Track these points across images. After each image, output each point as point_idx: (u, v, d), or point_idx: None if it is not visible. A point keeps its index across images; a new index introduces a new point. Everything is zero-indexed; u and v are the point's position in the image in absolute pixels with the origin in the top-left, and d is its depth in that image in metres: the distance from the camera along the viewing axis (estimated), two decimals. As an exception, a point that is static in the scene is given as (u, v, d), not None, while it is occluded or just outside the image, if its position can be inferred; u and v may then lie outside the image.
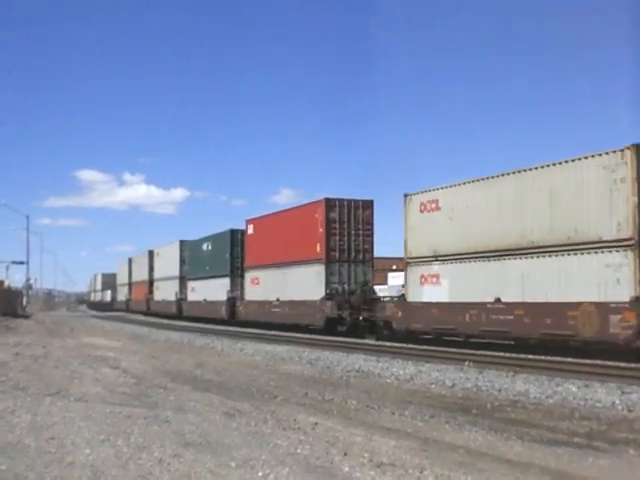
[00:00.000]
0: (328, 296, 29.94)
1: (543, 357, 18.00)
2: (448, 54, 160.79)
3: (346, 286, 30.09)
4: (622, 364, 16.06)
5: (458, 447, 7.70)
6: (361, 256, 30.97)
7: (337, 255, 30.43)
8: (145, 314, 63.24)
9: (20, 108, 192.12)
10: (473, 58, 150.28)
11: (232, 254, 41.05)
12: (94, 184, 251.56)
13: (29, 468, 6.67)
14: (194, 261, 49.30)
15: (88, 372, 15.24)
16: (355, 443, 7.79)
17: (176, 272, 53.46)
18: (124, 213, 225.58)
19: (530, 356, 18.42)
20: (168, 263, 55.86)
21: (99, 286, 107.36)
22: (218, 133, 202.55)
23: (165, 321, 50.68)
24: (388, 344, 23.79)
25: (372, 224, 31.49)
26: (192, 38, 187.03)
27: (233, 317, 40.71)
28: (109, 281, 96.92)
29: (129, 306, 73.85)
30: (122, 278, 79.38)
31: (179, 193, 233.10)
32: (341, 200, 30.86)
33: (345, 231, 30.66)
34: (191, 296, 50.01)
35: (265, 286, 36.66)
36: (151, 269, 62.16)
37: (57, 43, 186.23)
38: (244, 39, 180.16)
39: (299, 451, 7.35)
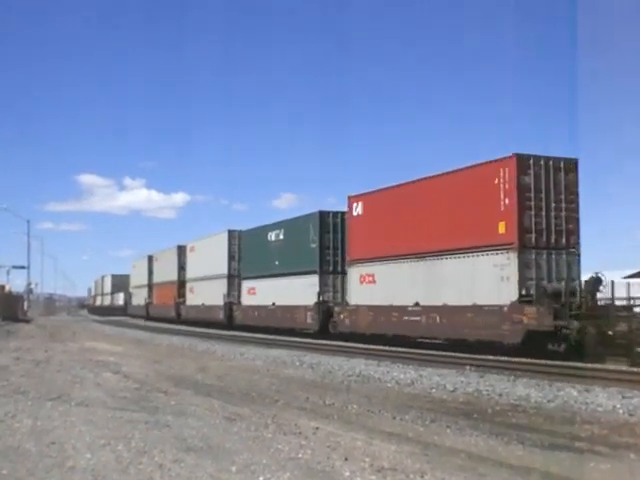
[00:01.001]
0: (526, 298, 20.50)
1: (544, 361, 17.97)
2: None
3: (555, 284, 20.84)
4: (623, 368, 16.06)
5: (459, 451, 7.70)
6: (564, 240, 21.65)
7: (533, 239, 21.13)
8: (174, 322, 53.29)
9: (21, 112, 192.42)
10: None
11: (322, 244, 32.23)
12: (95, 189, 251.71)
13: (30, 473, 6.67)
14: (253, 255, 39.73)
15: (89, 377, 15.24)
16: (356, 448, 7.79)
17: (223, 269, 43.49)
18: (125, 218, 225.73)
19: (531, 360, 18.40)
20: (210, 259, 46.21)
21: (108, 288, 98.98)
22: (219, 137, 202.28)
23: (166, 326, 50.62)
24: (389, 348, 23.79)
25: (577, 194, 22.20)
26: (193, 42, 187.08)
27: (326, 329, 31.27)
28: (120, 283, 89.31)
29: (149, 311, 64.39)
30: (138, 279, 70.14)
31: (180, 198, 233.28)
32: (537, 157, 21.56)
33: (543, 203, 21.46)
34: (248, 299, 40.37)
35: (389, 285, 26.42)
36: (181, 268, 53.42)
37: (58, 47, 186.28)
38: (246, 42, 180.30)
39: (300, 456, 7.35)
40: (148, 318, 63.50)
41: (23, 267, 77.14)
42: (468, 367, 17.09)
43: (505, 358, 19.02)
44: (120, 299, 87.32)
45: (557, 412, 10.89)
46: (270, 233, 37.20)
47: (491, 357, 19.29)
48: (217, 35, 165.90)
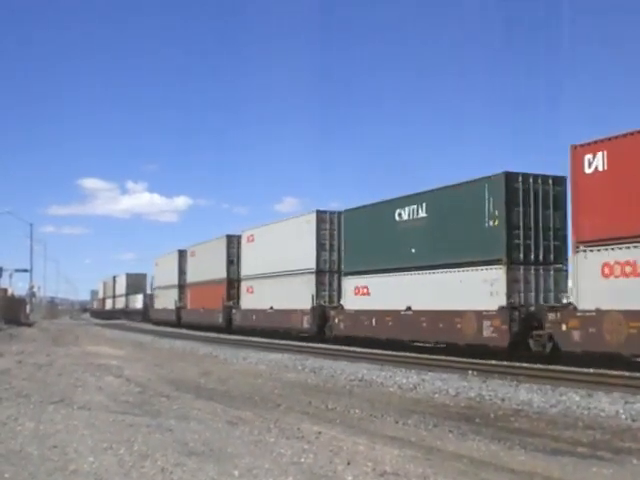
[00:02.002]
0: None
1: (546, 366, 17.95)
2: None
3: None
4: (626, 373, 16.04)
5: (461, 456, 7.69)
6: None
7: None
8: (221, 331, 42.48)
9: (23, 116, 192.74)
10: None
11: (509, 222, 21.38)
12: (97, 192, 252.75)
13: (32, 476, 6.67)
14: (365, 242, 28.75)
15: (91, 380, 15.25)
16: (358, 452, 7.78)
17: (308, 263, 32.73)
18: (127, 221, 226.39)
19: (533, 365, 18.38)
20: (282, 250, 35.72)
21: (122, 289, 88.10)
22: (220, 141, 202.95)
23: (169, 329, 50.52)
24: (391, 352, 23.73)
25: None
26: (194, 44, 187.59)
27: (523, 346, 20.51)
28: (136, 283, 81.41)
29: (182, 317, 53.84)
30: (164, 278, 60.13)
31: (182, 201, 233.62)
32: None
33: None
34: (354, 302, 29.03)
35: None
36: (230, 262, 42.95)
37: (60, 50, 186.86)
38: (246, 45, 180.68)
39: (302, 460, 7.34)
40: (179, 325, 53.17)
41: (26, 270, 77.11)
42: (470, 372, 17.08)
43: (507, 363, 19.00)
44: (138, 302, 77.80)
45: (559, 417, 10.88)
46: (399, 210, 26.16)
47: (494, 362, 19.27)
48: (219, 37, 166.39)
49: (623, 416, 10.84)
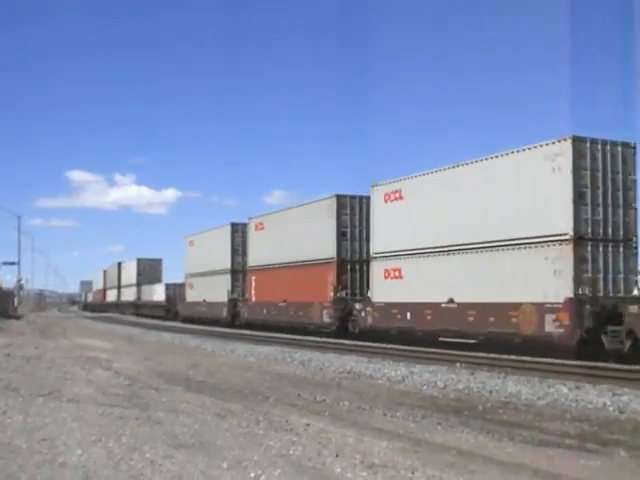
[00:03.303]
0: None
1: (534, 358, 18.03)
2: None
3: None
4: (614, 365, 16.13)
5: (450, 448, 7.72)
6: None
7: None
8: (325, 334, 29.90)
9: (11, 109, 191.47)
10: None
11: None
12: (85, 185, 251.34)
13: (21, 469, 6.66)
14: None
15: (80, 373, 15.21)
16: (347, 444, 7.80)
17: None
18: (115, 214, 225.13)
19: (521, 357, 18.45)
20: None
21: (130, 278, 72.15)
22: (209, 133, 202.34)
23: (159, 322, 50.48)
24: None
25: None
26: (182, 38, 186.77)
27: None
28: (150, 271, 69.46)
29: (242, 314, 38.65)
30: (205, 261, 44.76)
31: (170, 193, 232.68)
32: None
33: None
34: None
35: None
36: (342, 235, 29.51)
37: (47, 44, 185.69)
38: (234, 38, 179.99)
39: (291, 452, 7.36)
40: (234, 324, 39.28)
41: (13, 263, 76.75)
42: (459, 364, 17.14)
43: (495, 355, 19.06)
44: (157, 293, 61.17)
45: (547, 409, 10.93)
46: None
47: (482, 354, 19.33)
48: (207, 31, 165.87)
49: (611, 408, 10.91)
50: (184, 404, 10.84)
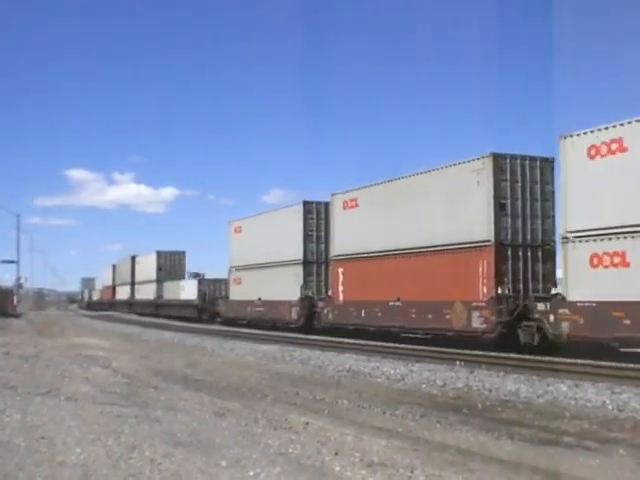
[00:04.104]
0: None
1: (533, 357, 18.03)
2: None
3: None
4: (613, 364, 16.13)
5: (449, 447, 7.71)
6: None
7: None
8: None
9: (9, 107, 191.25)
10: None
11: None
12: (84, 183, 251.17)
13: (19, 467, 6.65)
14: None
15: (79, 372, 15.20)
16: (346, 443, 7.79)
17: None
18: (114, 212, 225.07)
19: (521, 356, 18.45)
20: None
21: (148, 274, 62.92)
22: (208, 132, 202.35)
23: (156, 320, 50.42)
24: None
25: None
26: (181, 37, 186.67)
27: None
28: (172, 265, 61.26)
29: (322, 315, 30.27)
30: (260, 252, 36.19)
31: (169, 192, 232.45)
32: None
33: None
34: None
35: None
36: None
37: (46, 42, 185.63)
38: (232, 37, 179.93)
39: (290, 450, 7.35)
40: (311, 329, 31.27)
41: (12, 262, 76.82)
42: (458, 362, 17.13)
43: (495, 353, 19.06)
44: (187, 290, 52.38)
45: (546, 407, 10.93)
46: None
47: (481, 352, 19.33)
48: (205, 29, 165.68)
49: (610, 406, 10.91)
50: (183, 402, 10.83)
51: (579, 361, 16.47)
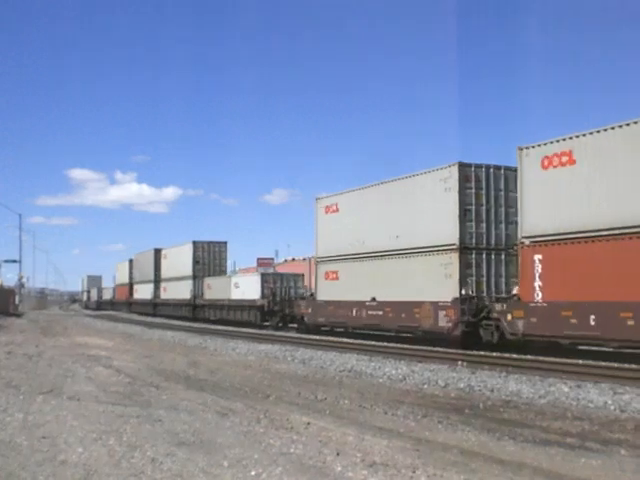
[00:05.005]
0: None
1: (535, 357, 18.02)
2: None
3: None
4: (615, 364, 16.11)
5: (451, 447, 7.71)
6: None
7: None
8: None
9: (12, 107, 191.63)
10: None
11: None
12: (86, 183, 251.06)
13: (22, 467, 6.66)
14: None
15: (81, 371, 15.21)
16: (347, 443, 7.80)
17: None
18: (116, 212, 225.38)
19: (522, 356, 18.44)
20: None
21: (181, 270, 52.74)
22: (210, 131, 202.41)
23: (158, 320, 50.40)
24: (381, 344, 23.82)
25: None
26: (184, 37, 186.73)
27: None
28: (211, 258, 51.59)
29: (516, 326, 19.38)
30: (374, 236, 26.85)
31: (171, 192, 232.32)
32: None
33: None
34: None
35: None
36: None
37: (49, 43, 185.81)
38: (237, 36, 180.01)
39: (292, 450, 7.35)
40: (503, 344, 20.70)
41: (15, 261, 76.98)
42: (460, 363, 17.13)
43: (497, 354, 19.05)
44: (242, 289, 42.48)
45: (548, 408, 10.93)
46: None
47: (483, 353, 19.33)
48: (206, 28, 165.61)
49: (612, 407, 10.91)
50: (185, 402, 10.84)
51: (580, 361, 16.46)
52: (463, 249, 22.34)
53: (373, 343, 24.20)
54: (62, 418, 9.27)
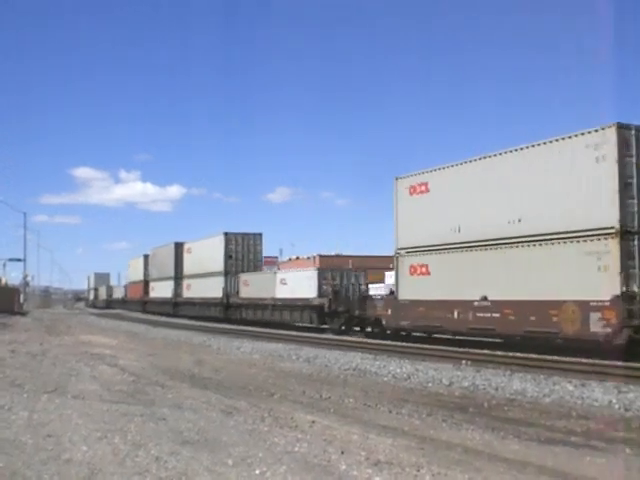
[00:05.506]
0: None
1: (540, 356, 17.98)
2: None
3: None
4: (619, 363, 16.07)
5: (455, 445, 7.70)
6: None
7: None
8: None
9: (16, 106, 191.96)
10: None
11: None
12: (90, 181, 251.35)
13: (26, 465, 6.65)
14: None
15: (85, 370, 15.22)
16: (352, 441, 7.78)
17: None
18: (120, 210, 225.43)
19: (527, 355, 18.41)
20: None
21: (209, 265, 47.40)
22: (214, 130, 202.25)
23: (162, 319, 50.45)
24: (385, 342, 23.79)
25: None
26: (187, 35, 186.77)
27: None
28: (245, 251, 46.10)
29: None
30: (490, 219, 21.42)
31: (175, 190, 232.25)
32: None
33: None
34: None
35: None
36: None
37: (53, 41, 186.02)
38: (239, 35, 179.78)
39: (296, 449, 7.35)
40: None
41: (19, 260, 76.95)
42: (464, 361, 17.11)
43: (501, 352, 19.02)
44: (291, 286, 36.93)
45: (553, 406, 10.92)
46: None
47: (487, 351, 19.30)
48: (212, 28, 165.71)
49: (616, 406, 10.89)
50: (189, 401, 10.84)
51: (585, 360, 16.41)
52: (625, 234, 17.40)
53: (377, 342, 24.17)
54: (66, 417, 9.27)
